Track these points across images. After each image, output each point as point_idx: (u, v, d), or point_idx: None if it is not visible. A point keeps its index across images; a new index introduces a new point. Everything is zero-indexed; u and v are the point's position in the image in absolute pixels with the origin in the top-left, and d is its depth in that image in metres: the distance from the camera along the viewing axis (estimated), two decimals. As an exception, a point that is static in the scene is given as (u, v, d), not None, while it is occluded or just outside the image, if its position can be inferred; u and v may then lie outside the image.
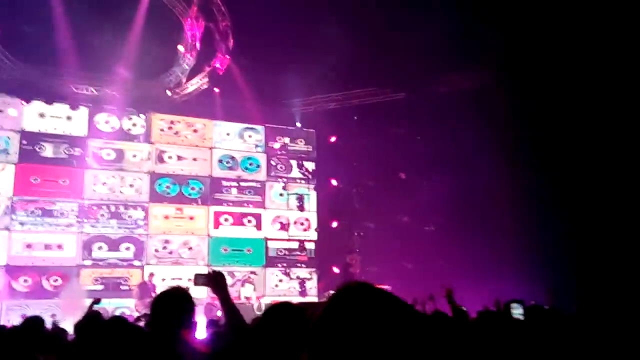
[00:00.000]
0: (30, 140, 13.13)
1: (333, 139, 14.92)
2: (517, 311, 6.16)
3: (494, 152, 11.67)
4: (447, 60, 12.23)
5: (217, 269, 13.49)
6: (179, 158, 14.54)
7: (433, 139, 12.88)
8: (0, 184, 12.71)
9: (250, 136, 15.48)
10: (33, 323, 3.80)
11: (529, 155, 12.06)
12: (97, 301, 6.80)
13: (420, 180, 13.80)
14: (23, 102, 13.05)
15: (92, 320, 4.39)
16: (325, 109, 14.85)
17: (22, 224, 12.74)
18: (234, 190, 14.95)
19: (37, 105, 13.21)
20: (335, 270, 14.41)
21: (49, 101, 13.18)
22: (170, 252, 13.90)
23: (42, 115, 13.32)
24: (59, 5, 11.96)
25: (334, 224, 14.96)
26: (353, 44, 11.87)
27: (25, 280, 12.47)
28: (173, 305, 2.56)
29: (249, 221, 14.93)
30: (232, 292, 11.82)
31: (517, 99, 11.78)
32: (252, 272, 14.32)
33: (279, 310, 2.15)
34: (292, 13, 12.02)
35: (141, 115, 14.22)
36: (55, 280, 12.72)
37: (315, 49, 12.42)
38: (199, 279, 2.89)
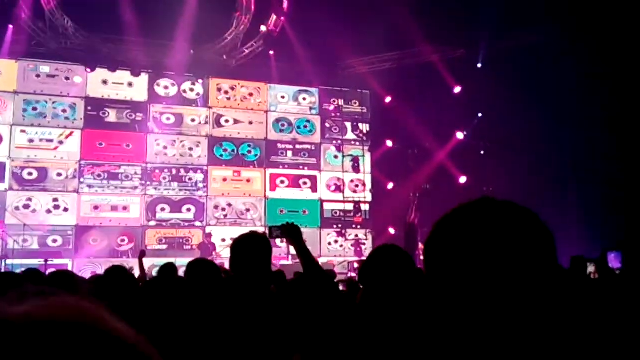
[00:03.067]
0: (95, 106, 13.65)
1: (388, 99, 14.74)
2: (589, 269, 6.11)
3: (559, 113, 11.26)
4: (511, 15, 11.76)
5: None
6: (236, 122, 14.80)
7: (493, 98, 12.51)
8: (69, 148, 13.35)
9: (304, 99, 15.53)
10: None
11: (597, 116, 11.56)
12: (143, 254, 7.27)
13: (477, 141, 13.52)
14: (87, 69, 13.52)
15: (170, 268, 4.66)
16: (380, 69, 14.64)
17: (89, 186, 13.39)
18: (290, 153, 15.13)
19: (101, 72, 13.67)
20: (391, 231, 14.45)
21: (112, 68, 13.61)
22: (229, 214, 14.31)
23: (105, 82, 13.80)
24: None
25: (390, 185, 14.94)
26: (407, 1, 11.60)
27: (94, 240, 13.17)
28: (255, 247, 2.58)
29: (305, 183, 15.13)
30: (286, 252, 12.14)
31: (586, 56, 11.24)
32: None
33: (386, 251, 2.14)
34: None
35: (199, 80, 14.49)
36: (122, 240, 13.37)
37: (369, 8, 12.20)
38: (274, 232, 2.96)
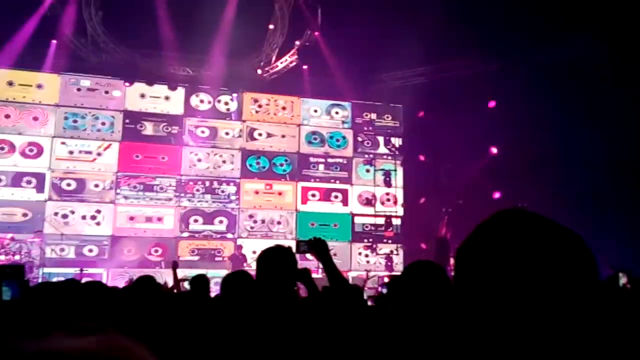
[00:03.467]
0: (132, 119, 14.00)
1: (421, 113, 14.68)
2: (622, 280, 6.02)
3: (596, 128, 11.00)
4: (549, 28, 11.60)
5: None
6: (269, 135, 14.95)
7: (528, 112, 12.32)
8: (106, 160, 13.70)
9: (337, 112, 15.60)
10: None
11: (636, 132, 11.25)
12: (176, 265, 7.35)
13: (512, 154, 13.31)
14: (126, 83, 13.90)
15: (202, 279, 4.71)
16: (412, 84, 14.61)
17: (125, 197, 13.68)
18: (321, 167, 15.18)
19: (139, 86, 14.04)
20: (423, 246, 14.31)
21: (150, 82, 13.97)
22: (260, 226, 14.40)
23: (143, 95, 14.15)
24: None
25: (422, 200, 14.82)
26: (441, 14, 11.56)
27: (129, 250, 13.42)
28: (280, 259, 2.61)
29: (336, 197, 15.13)
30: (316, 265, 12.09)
31: (627, 71, 10.97)
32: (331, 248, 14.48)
33: (419, 268, 2.13)
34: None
35: (233, 94, 14.73)
36: (156, 251, 13.59)
37: (402, 22, 12.21)
38: (301, 246, 2.97)
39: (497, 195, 13.63)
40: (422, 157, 14.68)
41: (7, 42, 12.45)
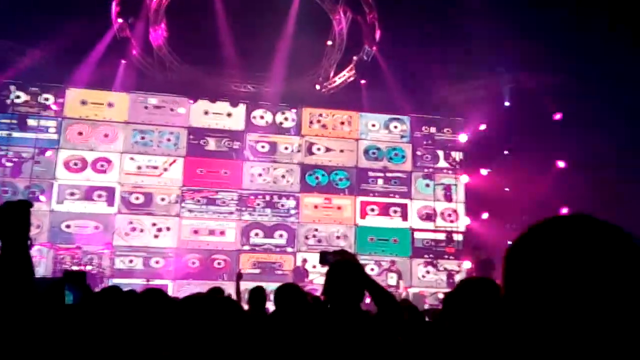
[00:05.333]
0: (196, 135, 14.45)
1: (482, 127, 14.36)
2: None
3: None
4: (614, 38, 11.15)
5: (363, 257, 13.60)
6: (327, 150, 15.04)
7: (596, 125, 11.82)
8: (172, 175, 14.19)
9: (395, 127, 15.51)
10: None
11: None
12: (240, 277, 7.41)
13: (580, 169, 12.79)
14: (190, 100, 14.39)
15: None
16: (474, 96, 14.33)
17: (190, 211, 14.09)
18: (380, 181, 15.11)
19: (202, 103, 14.49)
20: (485, 263, 13.90)
21: (213, 99, 14.41)
22: (320, 240, 14.46)
23: (206, 112, 14.60)
24: (221, 10, 12.98)
25: (484, 215, 14.45)
26: (499, 24, 11.31)
27: (193, 262, 13.79)
28: (348, 275, 2.60)
29: (395, 211, 15.00)
30: (379, 281, 11.95)
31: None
32: (391, 261, 14.36)
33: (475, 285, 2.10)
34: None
35: (292, 109, 14.95)
36: (219, 263, 13.90)
37: (463, 35, 12.04)
38: (326, 257, 2.89)
39: (564, 211, 13.11)
40: (484, 171, 14.32)
41: (81, 64, 13.17)
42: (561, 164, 13.45)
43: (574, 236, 0.76)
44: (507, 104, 14.25)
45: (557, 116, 13.40)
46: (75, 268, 11.93)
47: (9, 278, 1.52)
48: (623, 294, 0.71)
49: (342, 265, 2.64)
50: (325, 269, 2.81)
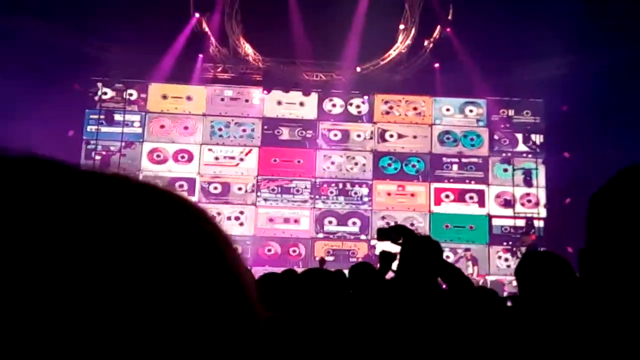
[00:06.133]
0: (270, 125, 14.74)
1: (564, 108, 13.66)
2: None
3: None
4: None
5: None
6: (400, 136, 14.88)
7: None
8: (248, 165, 14.58)
9: (471, 110, 15.08)
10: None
11: None
12: (323, 262, 7.49)
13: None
14: (264, 91, 14.70)
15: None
16: (555, 75, 13.63)
17: (265, 200, 14.43)
18: (455, 167, 14.77)
19: (276, 94, 14.76)
20: (569, 249, 13.27)
21: (286, 89, 14.64)
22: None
23: (279, 102, 14.86)
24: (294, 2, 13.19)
25: (567, 201, 13.77)
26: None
27: (269, 250, 14.13)
28: (427, 251, 2.59)
29: (471, 198, 14.63)
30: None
31: None
32: (466, 249, 14.04)
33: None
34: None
35: (364, 96, 14.90)
36: (294, 251, 14.17)
37: (541, 9, 11.49)
38: (388, 233, 2.83)
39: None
40: (566, 154, 13.64)
41: (162, 59, 13.78)
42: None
43: None
44: (591, 83, 13.42)
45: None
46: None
47: None
48: None
49: (424, 241, 2.63)
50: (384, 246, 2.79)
